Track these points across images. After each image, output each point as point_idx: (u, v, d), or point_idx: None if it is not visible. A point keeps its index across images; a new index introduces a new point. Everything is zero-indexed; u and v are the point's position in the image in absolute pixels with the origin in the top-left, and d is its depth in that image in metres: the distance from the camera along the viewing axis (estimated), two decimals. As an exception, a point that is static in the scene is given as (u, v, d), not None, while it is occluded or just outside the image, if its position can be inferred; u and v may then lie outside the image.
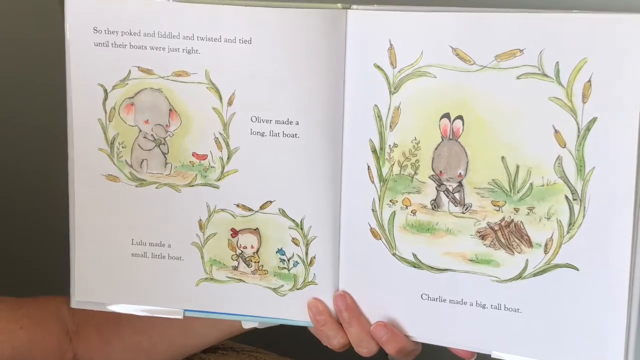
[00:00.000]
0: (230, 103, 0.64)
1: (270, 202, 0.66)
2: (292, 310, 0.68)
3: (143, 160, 0.67)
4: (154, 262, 0.69)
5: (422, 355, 0.67)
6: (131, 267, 0.69)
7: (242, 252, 0.67)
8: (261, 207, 0.66)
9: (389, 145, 0.62)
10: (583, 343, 0.59)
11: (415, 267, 0.63)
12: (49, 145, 0.80)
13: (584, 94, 0.56)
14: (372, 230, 0.64)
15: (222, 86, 0.64)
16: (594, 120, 0.56)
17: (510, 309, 0.61)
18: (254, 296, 0.68)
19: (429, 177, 0.61)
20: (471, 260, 0.61)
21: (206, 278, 0.69)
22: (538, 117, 0.57)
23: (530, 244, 0.59)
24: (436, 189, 0.61)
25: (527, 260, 0.60)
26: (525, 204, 0.59)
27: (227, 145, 0.65)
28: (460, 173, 0.60)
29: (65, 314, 0.75)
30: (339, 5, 0.61)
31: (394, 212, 0.63)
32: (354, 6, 0.61)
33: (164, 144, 0.66)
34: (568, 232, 0.58)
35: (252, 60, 0.62)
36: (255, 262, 0.67)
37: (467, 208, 0.61)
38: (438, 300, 0.63)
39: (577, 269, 0.58)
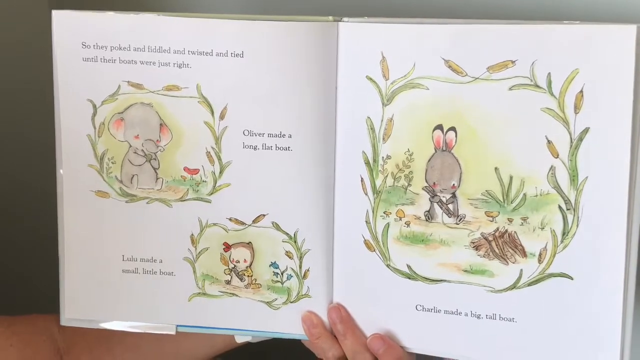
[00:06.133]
0: (222, 117, 0.64)
1: (263, 215, 0.65)
2: (286, 324, 0.68)
3: (133, 175, 0.66)
4: (145, 278, 0.68)
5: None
6: (122, 283, 0.68)
7: (235, 266, 0.67)
8: (254, 221, 0.66)
9: (382, 157, 0.62)
10: (578, 352, 0.59)
11: (409, 278, 0.63)
12: (38, 160, 0.79)
13: (576, 104, 0.56)
14: (366, 242, 0.64)
15: (214, 100, 0.63)
16: (586, 130, 0.56)
17: (505, 319, 0.61)
18: (247, 310, 0.68)
19: (423, 189, 0.62)
20: (465, 271, 0.62)
21: (198, 293, 0.68)
22: (531, 127, 0.57)
23: (524, 254, 0.60)
24: (430, 200, 0.62)
25: (521, 270, 0.60)
26: (519, 214, 0.59)
27: (219, 159, 0.65)
28: (453, 184, 0.60)
29: (55, 332, 0.74)
30: (330, 18, 0.61)
31: (388, 223, 0.63)
32: (345, 19, 0.61)
33: (154, 159, 0.66)
34: (562, 241, 0.58)
35: (244, 73, 0.62)
36: (248, 276, 0.67)
37: (460, 219, 0.61)
38: (433, 311, 0.63)
39: (572, 278, 0.59)
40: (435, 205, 0.61)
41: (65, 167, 0.67)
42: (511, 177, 0.59)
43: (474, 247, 0.61)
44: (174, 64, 0.63)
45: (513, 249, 0.60)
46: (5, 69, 0.94)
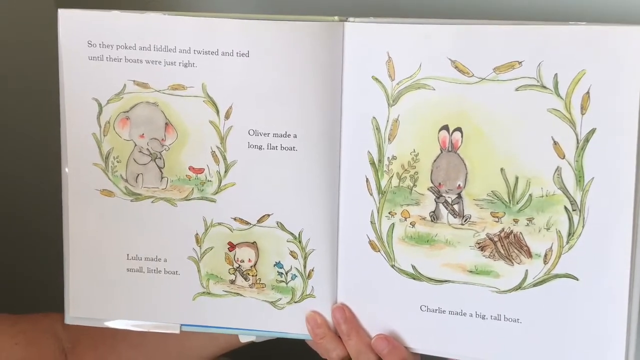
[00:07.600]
0: (227, 116, 0.64)
1: (268, 215, 0.65)
2: (290, 324, 0.68)
3: (138, 174, 0.66)
4: (150, 277, 0.68)
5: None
6: (127, 282, 0.68)
7: (239, 265, 0.67)
8: (259, 221, 0.66)
9: (388, 158, 0.62)
10: (583, 352, 0.59)
11: (414, 278, 0.63)
12: (44, 159, 0.79)
13: (583, 105, 0.56)
14: (371, 243, 0.64)
15: (219, 99, 0.63)
16: (592, 131, 0.56)
17: (510, 319, 0.61)
18: (251, 310, 0.68)
19: (428, 189, 0.61)
20: (470, 272, 0.62)
21: (203, 292, 0.68)
22: (537, 128, 0.57)
23: (529, 254, 0.60)
24: (435, 200, 0.61)
25: (526, 270, 0.60)
26: (524, 215, 0.59)
27: (224, 158, 0.65)
28: (459, 185, 0.60)
29: (60, 330, 0.74)
30: (336, 18, 0.61)
31: (393, 224, 0.63)
32: (351, 19, 0.61)
33: (159, 158, 0.66)
34: (567, 242, 0.58)
35: (249, 73, 0.62)
36: (252, 275, 0.67)
37: (466, 219, 0.61)
38: (438, 311, 0.63)
39: (577, 279, 0.59)
40: (441, 205, 0.61)
41: (71, 165, 0.67)
42: (517, 178, 0.59)
43: (479, 247, 0.61)
44: (179, 63, 0.63)
45: (518, 250, 0.60)
46: (11, 67, 0.94)
